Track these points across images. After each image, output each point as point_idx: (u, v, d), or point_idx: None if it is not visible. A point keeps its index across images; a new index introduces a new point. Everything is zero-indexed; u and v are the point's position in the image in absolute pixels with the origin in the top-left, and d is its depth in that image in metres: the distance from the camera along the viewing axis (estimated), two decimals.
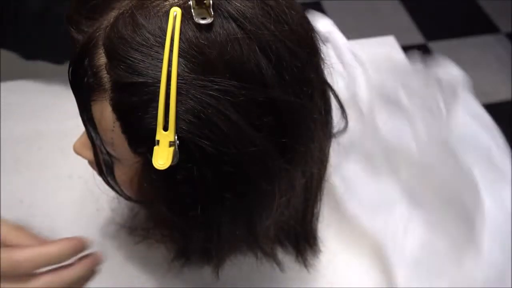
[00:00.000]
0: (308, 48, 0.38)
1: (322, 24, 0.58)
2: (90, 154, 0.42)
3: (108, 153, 0.39)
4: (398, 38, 0.88)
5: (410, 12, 2.07)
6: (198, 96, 0.32)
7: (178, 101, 0.32)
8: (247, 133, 0.34)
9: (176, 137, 0.32)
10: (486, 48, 1.96)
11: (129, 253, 0.58)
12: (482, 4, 2.12)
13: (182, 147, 0.33)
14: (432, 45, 1.95)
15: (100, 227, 0.60)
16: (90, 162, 0.46)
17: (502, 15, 2.08)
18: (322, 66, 0.41)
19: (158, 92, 0.32)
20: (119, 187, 0.43)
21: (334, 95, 0.44)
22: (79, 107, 0.37)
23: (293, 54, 0.35)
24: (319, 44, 0.40)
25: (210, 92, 0.32)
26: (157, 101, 0.32)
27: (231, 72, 0.32)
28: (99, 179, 0.45)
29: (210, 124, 0.33)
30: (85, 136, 0.42)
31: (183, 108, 0.32)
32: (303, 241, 0.54)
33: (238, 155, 0.34)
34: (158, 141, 0.32)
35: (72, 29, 0.36)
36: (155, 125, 0.32)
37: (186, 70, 0.32)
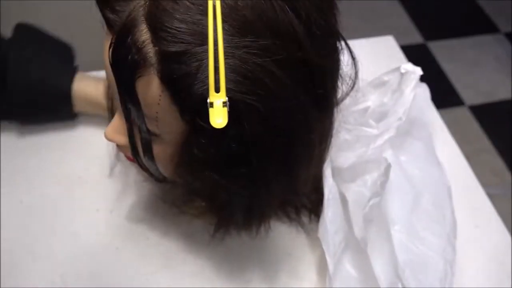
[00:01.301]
0: (329, 3, 0.41)
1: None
2: (123, 138, 0.44)
3: (148, 131, 0.40)
4: (398, 38, 0.88)
5: (409, 12, 2.07)
6: (244, 56, 0.35)
7: (225, 63, 0.34)
8: (289, 86, 0.37)
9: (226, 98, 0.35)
10: (485, 48, 1.96)
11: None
12: (481, 4, 2.13)
13: (232, 106, 0.35)
14: (431, 45, 1.95)
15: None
16: (121, 148, 0.47)
17: (502, 15, 2.08)
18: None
19: (206, 57, 0.34)
20: (155, 166, 0.45)
21: (346, 45, 0.46)
22: (120, 87, 0.38)
23: (318, 10, 0.38)
24: None
25: (254, 51, 0.35)
26: (205, 66, 0.34)
27: (270, 31, 0.35)
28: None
29: (256, 81, 0.35)
30: (117, 122, 0.44)
31: (230, 69, 0.34)
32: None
33: (283, 109, 0.38)
34: (212, 103, 0.34)
35: (106, 10, 0.37)
36: (205, 89, 0.34)
37: (229, 33, 0.34)
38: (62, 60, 0.64)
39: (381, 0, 2.09)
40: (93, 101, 0.63)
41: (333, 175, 0.54)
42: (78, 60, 0.66)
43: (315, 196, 0.56)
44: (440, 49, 1.94)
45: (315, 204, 0.57)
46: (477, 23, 2.07)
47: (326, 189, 0.52)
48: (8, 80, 0.59)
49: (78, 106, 0.64)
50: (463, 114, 1.73)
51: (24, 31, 0.64)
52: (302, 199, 0.56)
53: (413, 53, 0.95)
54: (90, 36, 0.60)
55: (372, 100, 0.59)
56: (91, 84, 0.63)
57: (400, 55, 0.85)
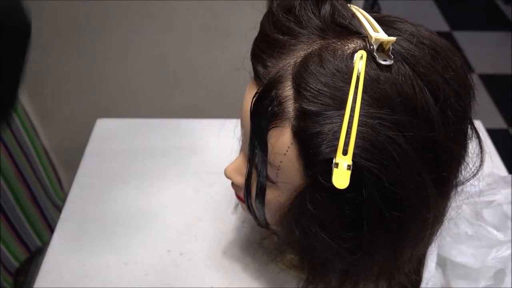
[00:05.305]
0: (467, 89, 0.42)
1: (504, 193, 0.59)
2: (240, 178, 0.48)
3: (266, 177, 0.43)
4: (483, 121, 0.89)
5: (492, 96, 2.05)
6: (376, 127, 0.36)
7: (357, 130, 0.36)
8: (415, 163, 0.38)
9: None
10: None
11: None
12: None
13: (355, 171, 0.36)
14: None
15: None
16: (235, 186, 0.51)
17: None
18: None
19: (340, 121, 0.36)
20: (263, 211, 0.47)
21: (476, 133, 0.46)
22: (253, 133, 0.41)
23: (456, 95, 0.40)
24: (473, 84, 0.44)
25: (387, 123, 0.36)
26: (338, 129, 0.36)
27: (404, 107, 0.37)
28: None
29: (383, 152, 0.36)
30: (238, 162, 0.48)
31: (361, 136, 0.36)
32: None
33: (404, 183, 0.38)
34: (337, 164, 0.36)
35: (258, 64, 0.41)
36: (333, 150, 0.36)
37: (366, 103, 0.36)
38: None
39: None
40: None
41: (440, 264, 0.53)
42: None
43: (413, 277, 0.55)
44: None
45: (410, 285, 0.56)
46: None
47: (426, 274, 0.52)
48: None
49: None
50: None
51: None
52: (399, 277, 0.54)
53: (497, 137, 0.94)
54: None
55: (502, 195, 0.58)
56: None
57: (487, 139, 0.85)
